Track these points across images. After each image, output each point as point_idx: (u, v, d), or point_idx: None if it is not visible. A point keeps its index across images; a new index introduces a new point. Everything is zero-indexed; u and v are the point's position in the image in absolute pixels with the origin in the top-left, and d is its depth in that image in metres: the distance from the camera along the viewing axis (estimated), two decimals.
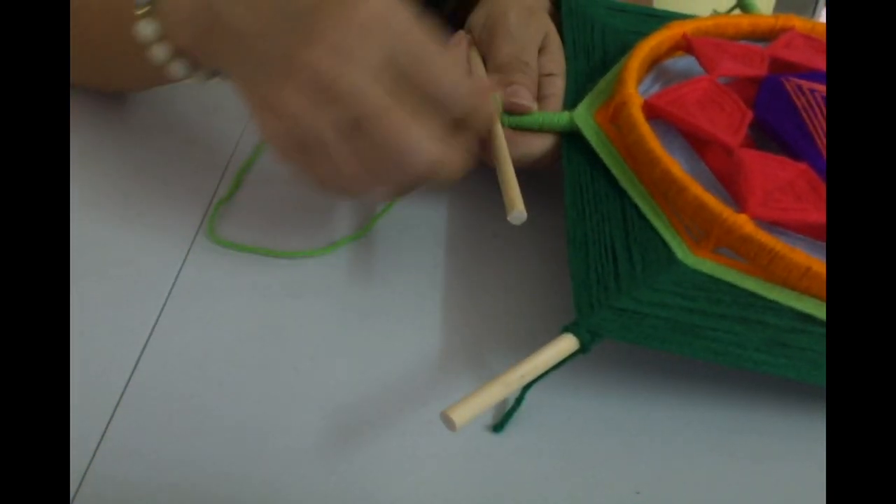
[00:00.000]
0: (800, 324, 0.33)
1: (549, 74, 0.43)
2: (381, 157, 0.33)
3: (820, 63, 0.43)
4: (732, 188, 0.37)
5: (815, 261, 0.33)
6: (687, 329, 0.32)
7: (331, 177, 0.34)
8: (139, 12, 0.35)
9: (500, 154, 0.38)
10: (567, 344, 0.31)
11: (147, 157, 0.45)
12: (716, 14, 0.50)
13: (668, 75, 0.45)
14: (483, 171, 0.39)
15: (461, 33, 0.46)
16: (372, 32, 0.32)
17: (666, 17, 0.49)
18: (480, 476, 0.32)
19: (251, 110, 0.35)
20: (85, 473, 0.30)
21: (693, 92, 0.41)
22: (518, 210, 0.34)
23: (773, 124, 0.39)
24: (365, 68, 0.32)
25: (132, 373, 0.34)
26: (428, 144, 0.32)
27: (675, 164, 0.36)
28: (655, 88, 0.44)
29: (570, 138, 0.41)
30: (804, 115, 0.39)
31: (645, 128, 0.38)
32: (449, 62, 0.33)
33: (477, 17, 0.46)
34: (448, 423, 0.28)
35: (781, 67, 0.43)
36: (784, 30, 0.47)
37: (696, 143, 0.40)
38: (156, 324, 0.36)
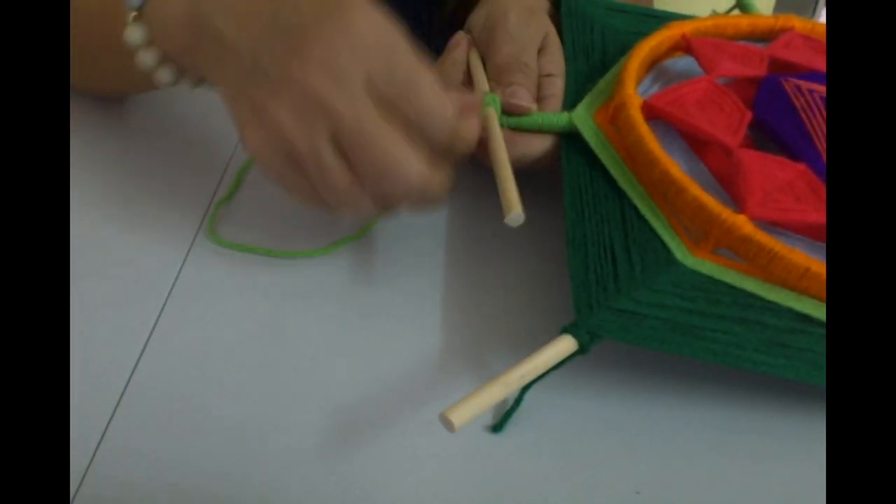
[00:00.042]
0: (799, 324, 0.33)
1: (549, 75, 0.43)
2: (368, 173, 0.33)
3: (819, 63, 0.43)
4: (731, 189, 0.37)
5: (814, 261, 0.33)
6: (686, 330, 0.32)
7: (316, 191, 0.34)
8: (129, 17, 0.35)
9: (498, 155, 0.38)
10: (566, 345, 0.31)
11: (147, 158, 0.45)
12: (715, 14, 0.50)
13: (668, 76, 0.45)
14: (483, 171, 0.39)
15: (461, 33, 0.46)
16: (362, 52, 0.32)
17: (665, 18, 0.49)
18: (480, 476, 0.32)
19: (236, 121, 0.35)
20: (85, 473, 0.30)
21: (692, 92, 0.41)
22: (516, 212, 0.34)
23: (772, 125, 0.39)
24: (354, 86, 0.32)
25: (132, 373, 0.34)
26: (415, 161, 0.33)
27: (674, 164, 0.36)
28: (655, 89, 0.44)
29: (570, 139, 0.41)
30: (803, 115, 0.39)
31: (644, 128, 0.38)
32: (435, 89, 0.33)
33: (477, 18, 0.46)
34: (447, 424, 0.28)
35: (781, 68, 0.43)
36: (783, 30, 0.47)
37: (696, 144, 0.40)
38: (156, 324, 0.36)
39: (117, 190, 0.42)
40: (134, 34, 0.36)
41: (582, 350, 0.32)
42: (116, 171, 0.44)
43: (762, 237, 0.33)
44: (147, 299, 0.37)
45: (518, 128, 0.41)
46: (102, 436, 0.32)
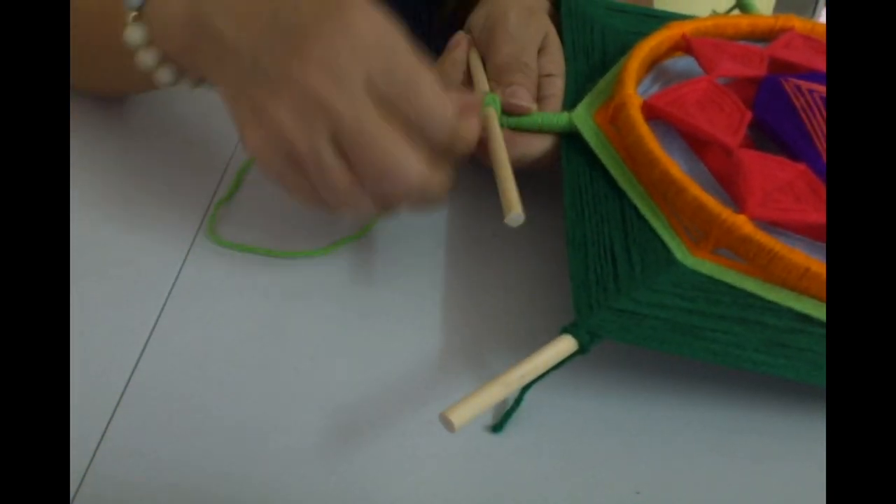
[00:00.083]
0: (799, 324, 0.33)
1: (549, 75, 0.43)
2: (368, 173, 0.33)
3: (819, 63, 0.43)
4: (731, 189, 0.37)
5: (813, 261, 0.33)
6: (686, 330, 0.32)
7: (316, 191, 0.34)
8: (129, 17, 0.35)
9: (498, 155, 0.38)
10: (566, 345, 0.31)
11: (147, 158, 0.45)
12: (715, 14, 0.50)
13: (668, 76, 0.45)
14: (483, 171, 0.39)
15: (461, 33, 0.46)
16: (362, 52, 0.32)
17: (665, 18, 0.49)
18: (480, 476, 0.32)
19: (236, 121, 0.35)
20: (85, 473, 0.30)
21: (692, 92, 0.41)
22: (515, 212, 0.34)
23: (772, 125, 0.39)
24: (354, 86, 0.32)
25: (132, 373, 0.34)
26: (416, 161, 0.33)
27: (674, 164, 0.36)
28: (655, 89, 0.44)
29: (570, 139, 0.41)
30: (803, 115, 0.39)
31: (644, 128, 0.38)
32: (435, 89, 0.34)
33: (477, 18, 0.46)
34: (447, 424, 0.28)
35: (781, 68, 0.43)
36: (783, 30, 0.47)
37: (696, 144, 0.40)
38: (156, 324, 0.36)
39: (117, 190, 0.42)
40: (134, 34, 0.36)
41: (582, 350, 0.32)
42: (116, 171, 0.44)
43: (762, 237, 0.33)
44: (147, 299, 0.37)
45: (518, 128, 0.41)
46: (102, 436, 0.32)
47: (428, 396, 0.34)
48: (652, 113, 0.40)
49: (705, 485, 0.32)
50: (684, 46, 0.45)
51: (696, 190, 0.35)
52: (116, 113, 0.48)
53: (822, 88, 0.40)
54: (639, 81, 0.43)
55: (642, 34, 0.45)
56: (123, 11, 0.36)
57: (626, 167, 0.38)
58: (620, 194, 0.38)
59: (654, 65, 0.45)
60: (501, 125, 0.40)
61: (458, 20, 0.48)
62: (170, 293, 0.37)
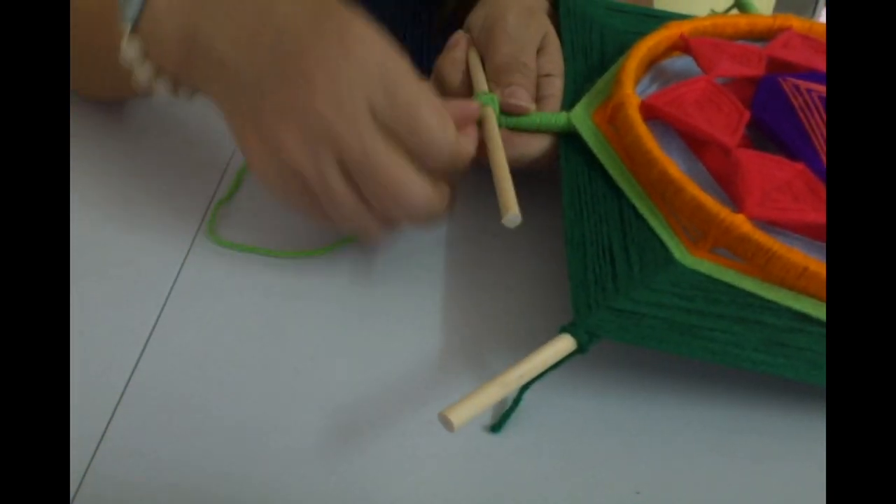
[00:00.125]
0: (797, 323, 0.33)
1: (548, 75, 0.43)
2: (375, 197, 0.34)
3: (817, 63, 0.43)
4: (730, 188, 0.37)
5: (812, 261, 0.33)
6: (685, 329, 0.32)
7: (322, 209, 0.35)
8: (125, 32, 0.36)
9: (496, 156, 0.38)
10: (565, 344, 0.31)
11: (147, 158, 0.45)
12: (713, 14, 0.50)
13: (666, 76, 0.45)
14: (483, 171, 0.39)
15: (461, 32, 0.46)
16: (364, 80, 0.33)
17: (664, 18, 0.49)
18: (480, 476, 0.32)
19: (237, 138, 0.36)
20: (85, 473, 0.30)
21: (691, 92, 0.41)
22: (513, 213, 0.34)
23: (770, 124, 0.39)
24: (359, 114, 0.33)
25: (132, 373, 0.34)
26: (421, 186, 0.34)
27: (672, 164, 0.36)
28: (653, 89, 0.44)
29: (568, 139, 0.41)
30: (801, 115, 0.39)
31: (642, 128, 0.38)
32: (436, 119, 0.34)
33: (476, 18, 0.46)
34: (446, 423, 0.28)
35: (779, 67, 0.43)
36: (781, 29, 0.47)
37: (694, 144, 0.40)
38: (156, 324, 0.36)
39: (117, 190, 0.42)
40: (130, 49, 0.36)
41: (581, 350, 0.32)
42: (116, 172, 0.44)
43: (760, 236, 0.33)
44: (147, 299, 0.37)
45: (516, 128, 0.41)
46: (102, 436, 0.32)
47: (428, 396, 0.34)
48: (650, 113, 0.40)
49: (705, 485, 0.32)
50: (683, 46, 0.45)
51: (694, 189, 0.35)
52: (117, 113, 0.48)
53: (821, 88, 0.40)
54: (637, 81, 0.43)
55: (641, 34, 0.45)
56: (116, 26, 0.36)
57: (625, 167, 0.39)
58: (619, 194, 0.38)
59: (652, 65, 0.45)
60: (500, 125, 0.40)
61: (457, 20, 0.48)
62: (170, 293, 0.37)
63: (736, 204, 0.35)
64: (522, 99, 0.40)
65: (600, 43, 0.47)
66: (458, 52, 0.44)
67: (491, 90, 0.41)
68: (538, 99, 0.42)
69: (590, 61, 0.45)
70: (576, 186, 0.38)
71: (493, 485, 0.31)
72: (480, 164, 0.39)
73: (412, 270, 0.40)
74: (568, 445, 0.33)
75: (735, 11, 0.52)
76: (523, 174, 0.37)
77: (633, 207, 0.37)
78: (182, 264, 0.39)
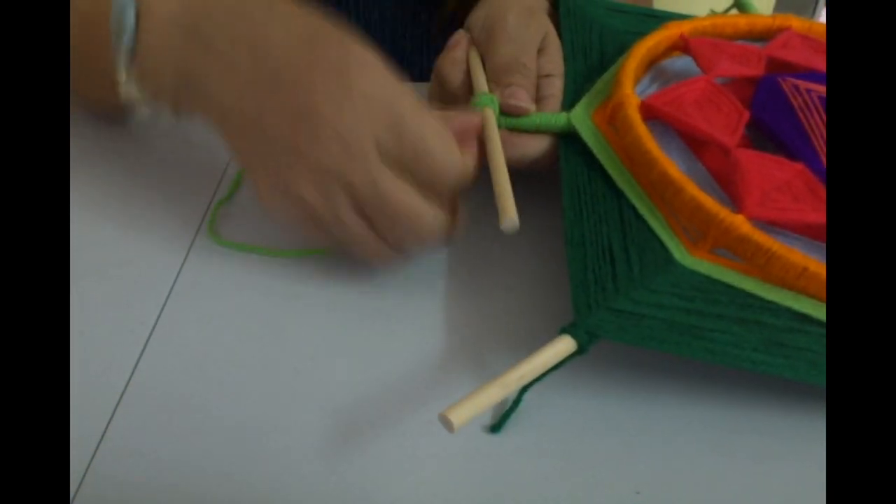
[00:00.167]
0: (797, 324, 0.33)
1: (548, 75, 0.43)
2: (389, 229, 0.35)
3: (817, 63, 0.43)
4: (729, 188, 0.37)
5: (812, 261, 0.33)
6: (685, 330, 0.32)
7: (334, 237, 0.36)
8: (121, 72, 0.36)
9: (495, 159, 0.38)
10: (565, 345, 0.31)
11: (147, 158, 0.45)
12: (713, 14, 0.50)
13: (666, 76, 0.45)
14: (483, 171, 0.39)
15: (461, 32, 0.46)
16: (369, 116, 0.33)
17: (664, 18, 0.49)
18: (480, 476, 0.32)
19: (239, 165, 0.37)
20: (85, 473, 0.30)
21: (690, 92, 0.41)
22: (510, 218, 0.34)
23: (769, 124, 0.39)
24: (367, 152, 0.33)
25: (132, 373, 0.34)
26: (433, 216, 0.35)
27: (672, 164, 0.36)
28: (653, 89, 0.44)
29: (568, 139, 0.41)
30: (801, 115, 0.39)
31: (642, 128, 0.38)
32: (443, 148, 0.35)
33: (476, 18, 0.46)
34: (446, 424, 0.28)
35: (778, 67, 0.43)
36: (781, 30, 0.47)
37: (693, 144, 0.40)
38: (156, 324, 0.36)
39: (117, 190, 0.42)
40: (129, 88, 0.36)
41: (581, 350, 0.32)
42: (116, 172, 0.44)
43: (760, 237, 0.33)
44: (147, 299, 0.37)
45: (516, 128, 0.41)
46: (102, 436, 0.32)
47: (428, 396, 0.34)
48: (650, 113, 0.40)
49: (705, 485, 0.32)
50: (682, 46, 0.45)
51: (693, 190, 0.35)
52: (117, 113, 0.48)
53: (820, 88, 0.40)
54: (637, 81, 0.43)
55: (641, 34, 0.45)
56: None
57: (625, 167, 0.39)
58: (619, 194, 0.38)
59: (652, 65, 0.45)
60: (499, 125, 0.40)
61: (457, 20, 0.48)
62: (170, 293, 0.37)
63: (735, 204, 0.35)
64: (522, 100, 0.40)
65: (600, 43, 0.47)
66: (458, 52, 0.44)
67: (491, 90, 0.41)
68: (538, 99, 0.42)
69: (590, 61, 0.45)
70: (575, 187, 0.38)
71: (493, 485, 0.31)
72: (483, 165, 0.39)
73: (412, 270, 0.40)
74: (568, 445, 0.33)
75: (734, 11, 0.52)
76: (523, 174, 0.37)
77: (633, 208, 0.37)
78: (182, 264, 0.39)
